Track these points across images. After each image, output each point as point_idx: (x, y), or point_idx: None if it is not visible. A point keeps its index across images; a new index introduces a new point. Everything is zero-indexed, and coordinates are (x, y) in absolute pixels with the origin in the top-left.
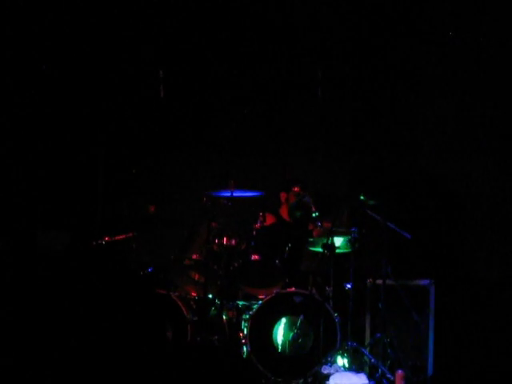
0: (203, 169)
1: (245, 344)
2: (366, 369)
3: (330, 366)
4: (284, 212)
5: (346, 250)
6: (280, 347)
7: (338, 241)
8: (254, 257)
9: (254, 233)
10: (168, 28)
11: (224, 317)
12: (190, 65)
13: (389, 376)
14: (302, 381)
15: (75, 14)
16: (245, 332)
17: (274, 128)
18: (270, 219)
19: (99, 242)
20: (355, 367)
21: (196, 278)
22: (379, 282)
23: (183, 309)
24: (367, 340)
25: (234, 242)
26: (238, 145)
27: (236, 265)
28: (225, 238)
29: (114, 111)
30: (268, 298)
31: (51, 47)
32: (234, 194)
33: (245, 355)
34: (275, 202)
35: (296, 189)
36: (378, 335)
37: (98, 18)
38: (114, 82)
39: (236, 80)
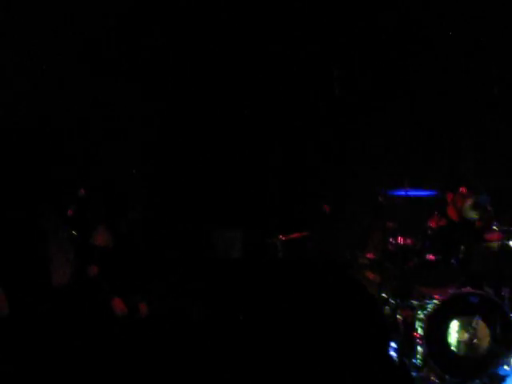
0: (378, 168)
1: (420, 344)
2: None
3: (508, 368)
4: (451, 212)
5: None
6: (455, 348)
7: None
8: (430, 256)
9: (429, 232)
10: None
11: (398, 316)
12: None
13: None
14: (478, 382)
15: None
16: (419, 332)
17: (448, 128)
18: (443, 219)
19: (274, 240)
20: None
21: (371, 277)
22: None
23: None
24: None
25: (409, 241)
26: (413, 144)
27: (411, 264)
28: (400, 238)
29: (286, 109)
30: (444, 298)
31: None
32: (409, 193)
33: (420, 355)
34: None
35: (462, 190)
36: None
37: None
38: (286, 86)
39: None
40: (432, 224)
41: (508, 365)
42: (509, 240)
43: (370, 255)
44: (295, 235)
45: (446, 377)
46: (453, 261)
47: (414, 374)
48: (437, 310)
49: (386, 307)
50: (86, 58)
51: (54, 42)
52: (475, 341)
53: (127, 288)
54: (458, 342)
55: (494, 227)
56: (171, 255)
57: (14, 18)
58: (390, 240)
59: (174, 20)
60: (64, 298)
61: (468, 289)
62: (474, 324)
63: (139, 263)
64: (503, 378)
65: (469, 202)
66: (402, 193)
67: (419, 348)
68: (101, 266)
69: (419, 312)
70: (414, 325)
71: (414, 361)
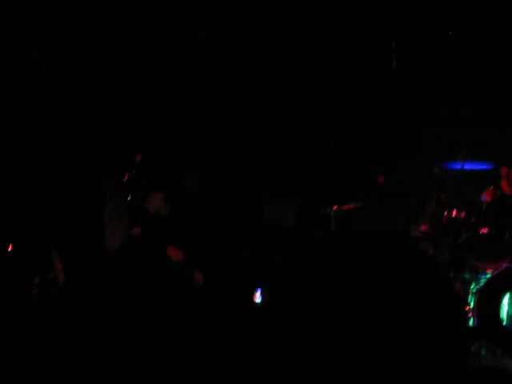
0: (434, 139)
1: (472, 317)
2: None
3: None
4: (505, 186)
5: None
6: (507, 322)
7: None
8: (483, 230)
9: (483, 206)
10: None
11: None
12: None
13: None
14: None
15: None
16: (471, 305)
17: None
18: (497, 193)
19: (327, 210)
20: None
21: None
22: None
23: None
24: None
25: (463, 214)
26: (469, 116)
27: (464, 237)
28: (454, 211)
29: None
30: (497, 271)
31: None
32: (465, 167)
33: (471, 329)
34: None
35: None
36: None
37: None
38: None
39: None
40: (486, 197)
41: None
42: None
43: (423, 228)
44: (348, 206)
45: (497, 351)
46: (506, 234)
47: None
48: (489, 283)
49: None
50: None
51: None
52: None
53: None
54: (510, 316)
55: None
56: (224, 224)
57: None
58: (444, 213)
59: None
60: (118, 261)
61: None
62: None
63: (194, 230)
64: None
65: None
66: (458, 166)
67: (471, 322)
68: (151, 229)
69: (472, 286)
70: (467, 298)
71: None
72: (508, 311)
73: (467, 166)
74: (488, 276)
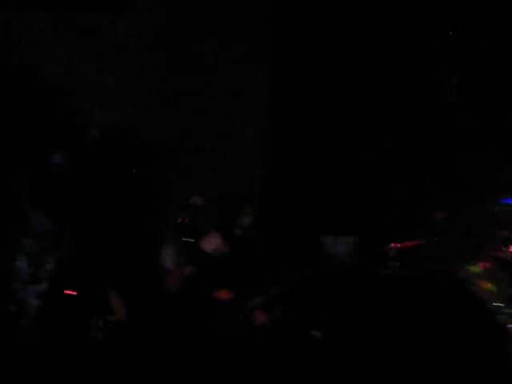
0: (493, 174)
1: None
2: None
3: None
4: None
5: None
6: None
7: None
8: None
9: None
10: None
11: None
12: None
13: None
14: None
15: None
16: None
17: None
18: None
19: (387, 247)
20: None
21: (484, 287)
22: None
23: None
24: None
25: None
26: None
27: None
28: None
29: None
30: None
31: None
32: None
33: None
34: None
35: None
36: None
37: None
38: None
39: None
40: None
41: None
42: None
43: (483, 264)
44: (410, 243)
45: None
46: None
47: None
48: None
49: (501, 316)
50: None
51: None
52: None
53: (243, 293)
54: None
55: None
56: (284, 262)
57: None
58: (503, 248)
59: None
60: (176, 302)
61: None
62: None
63: (254, 268)
64: None
65: None
66: None
67: None
68: (208, 270)
69: None
70: None
71: None
72: None
73: None
74: None
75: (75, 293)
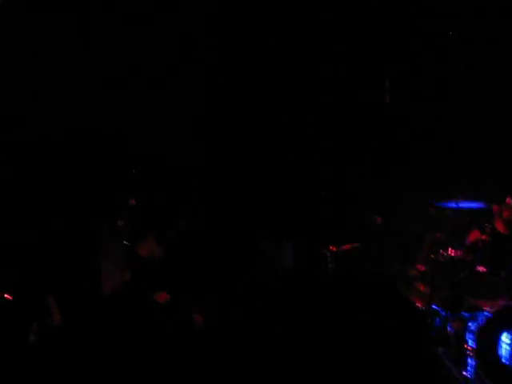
0: (429, 178)
1: (471, 356)
2: None
3: None
4: (498, 224)
5: None
6: (506, 360)
7: None
8: (481, 268)
9: (480, 244)
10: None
11: (449, 328)
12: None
13: None
14: None
15: None
16: (470, 344)
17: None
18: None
19: (324, 251)
20: None
21: (421, 289)
22: None
23: None
24: None
25: (459, 253)
26: (464, 155)
27: (462, 276)
28: (450, 249)
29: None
30: (495, 309)
31: None
32: (460, 205)
33: (471, 367)
34: None
35: (508, 201)
36: None
37: None
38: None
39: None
40: (482, 236)
41: None
42: None
43: (420, 267)
44: (346, 247)
45: None
46: (503, 273)
47: None
48: (488, 321)
49: (437, 319)
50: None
51: None
52: None
53: (180, 300)
54: (510, 354)
55: None
56: (222, 266)
57: None
58: (441, 252)
59: None
60: (113, 306)
61: None
62: None
63: (191, 273)
64: None
65: None
66: (453, 205)
67: (470, 360)
68: (144, 274)
69: (470, 324)
70: (465, 337)
71: (464, 373)
72: (507, 349)
73: (462, 205)
74: (486, 314)
75: (11, 298)
